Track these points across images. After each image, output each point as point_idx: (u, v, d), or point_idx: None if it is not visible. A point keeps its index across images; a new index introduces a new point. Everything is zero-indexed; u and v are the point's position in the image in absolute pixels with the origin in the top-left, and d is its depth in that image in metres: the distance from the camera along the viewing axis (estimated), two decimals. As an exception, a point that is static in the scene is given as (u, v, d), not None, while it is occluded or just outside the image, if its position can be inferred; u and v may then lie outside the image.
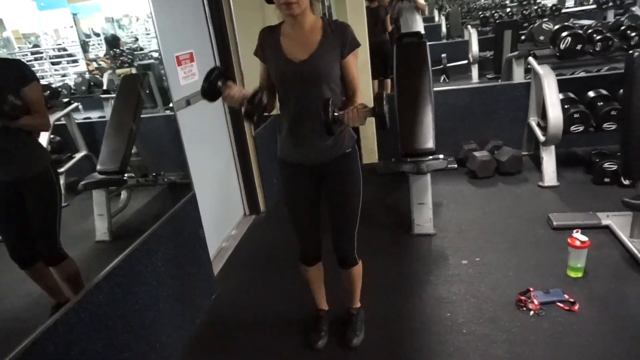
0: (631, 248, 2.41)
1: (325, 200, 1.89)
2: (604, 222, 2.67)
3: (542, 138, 3.30)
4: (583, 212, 2.80)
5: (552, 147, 3.30)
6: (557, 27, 3.41)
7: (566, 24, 3.51)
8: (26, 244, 1.98)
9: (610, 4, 6.68)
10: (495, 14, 6.28)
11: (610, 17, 6.99)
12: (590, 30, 3.32)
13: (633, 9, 6.30)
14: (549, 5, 6.85)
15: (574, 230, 2.32)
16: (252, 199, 3.49)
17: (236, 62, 3.16)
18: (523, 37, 5.28)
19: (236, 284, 2.69)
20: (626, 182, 3.06)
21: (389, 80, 5.46)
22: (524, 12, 6.51)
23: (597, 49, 3.24)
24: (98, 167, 2.67)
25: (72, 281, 2.07)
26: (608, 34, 3.22)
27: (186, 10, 2.80)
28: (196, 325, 2.32)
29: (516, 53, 3.92)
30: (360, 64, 3.63)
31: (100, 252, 2.56)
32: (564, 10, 6.83)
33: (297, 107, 1.69)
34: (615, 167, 3.12)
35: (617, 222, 2.66)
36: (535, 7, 6.57)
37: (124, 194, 3.56)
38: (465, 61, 6.29)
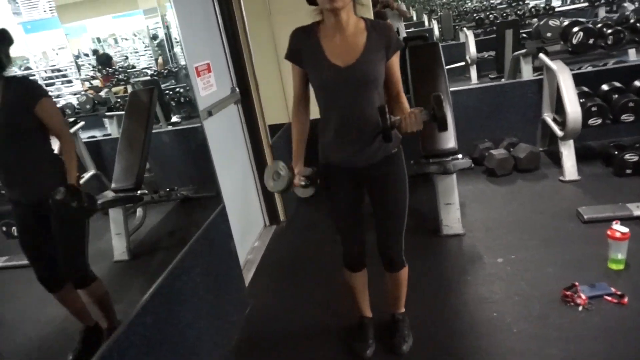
0: (668, 237, 2.40)
1: (371, 202, 1.84)
2: (636, 212, 2.66)
3: (560, 133, 3.30)
4: (612, 204, 2.79)
5: (571, 141, 3.30)
6: (566, 22, 3.43)
7: (575, 19, 3.53)
8: (54, 266, 1.91)
9: (602, 1, 6.80)
10: (490, 16, 6.34)
11: (602, 14, 7.10)
12: (599, 25, 3.34)
13: (625, 4, 6.42)
14: (542, 5, 6.95)
15: (613, 222, 2.30)
16: (272, 209, 3.43)
17: (250, 72, 3.12)
18: (524, 35, 5.35)
19: (267, 296, 2.62)
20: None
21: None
22: (518, 12, 6.59)
23: (609, 42, 3.26)
24: (113, 185, 2.61)
25: (102, 303, 2.00)
26: (619, 27, 3.25)
27: (199, 20, 2.75)
28: (233, 342, 2.24)
29: (524, 51, 3.94)
30: None
31: (120, 272, 2.49)
32: (556, 9, 6.93)
33: (343, 112, 1.64)
34: (636, 158, 3.12)
35: (649, 212, 2.65)
36: (529, 7, 6.66)
37: (139, 212, 3.49)
38: (462, 63, 6.33)
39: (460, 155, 2.91)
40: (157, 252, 2.94)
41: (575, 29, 3.27)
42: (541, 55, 3.48)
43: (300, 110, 1.76)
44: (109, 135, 3.00)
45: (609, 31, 3.26)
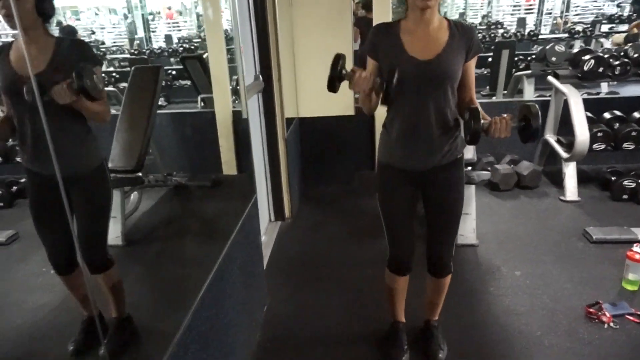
0: (674, 262, 2.53)
1: (427, 205, 1.81)
2: (640, 236, 2.80)
3: (565, 155, 3.43)
4: (618, 227, 2.92)
5: (574, 163, 3.43)
6: (577, 50, 3.57)
7: (586, 47, 3.68)
8: (70, 248, 1.74)
9: (581, 34, 7.22)
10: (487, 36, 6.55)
11: (577, 46, 7.53)
12: (607, 55, 3.51)
13: (602, 40, 6.84)
14: (522, 31, 7.29)
15: (635, 245, 2.40)
16: (279, 204, 3.32)
17: (275, 61, 3.01)
18: (519, 57, 5.55)
19: (283, 296, 2.52)
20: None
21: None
22: (505, 34, 6.86)
23: (616, 72, 3.43)
24: (110, 165, 2.43)
25: (117, 290, 1.86)
26: (626, 60, 3.43)
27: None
28: (256, 342, 2.13)
29: (529, 72, 4.08)
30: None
31: (115, 259, 2.33)
32: (540, 37, 7.29)
33: (415, 108, 1.61)
34: (634, 185, 3.29)
35: (651, 237, 2.79)
36: (515, 32, 6.97)
37: (134, 195, 3.29)
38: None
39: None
40: (153, 240, 2.77)
41: (587, 56, 3.41)
42: (551, 78, 3.61)
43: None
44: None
45: (616, 62, 3.43)
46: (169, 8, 10.28)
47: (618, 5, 10.23)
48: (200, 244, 2.51)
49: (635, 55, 3.56)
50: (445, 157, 1.68)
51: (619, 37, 7.87)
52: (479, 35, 7.18)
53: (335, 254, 2.93)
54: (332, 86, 1.54)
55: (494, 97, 5.29)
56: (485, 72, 5.46)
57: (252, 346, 2.07)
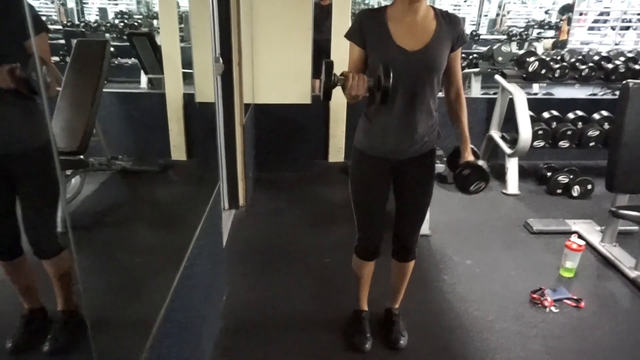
0: (604, 251, 2.79)
1: (398, 192, 1.85)
2: (573, 227, 3.05)
3: (508, 150, 3.64)
4: (554, 219, 3.16)
5: (516, 159, 3.66)
6: (523, 51, 3.79)
7: (530, 50, 3.92)
8: (14, 230, 1.61)
9: (518, 37, 7.66)
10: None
11: (514, 48, 7.99)
12: (548, 58, 3.76)
13: (535, 44, 7.32)
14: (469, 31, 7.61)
15: (572, 235, 2.60)
16: (233, 192, 3.24)
17: (236, 43, 2.91)
18: (463, 56, 5.77)
19: (242, 284, 2.47)
20: (575, 194, 3.55)
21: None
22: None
23: (556, 75, 3.68)
24: None
25: (65, 279, 1.74)
26: (565, 64, 3.69)
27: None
28: (217, 332, 2.08)
29: (477, 70, 4.27)
30: (301, 61, 3.52)
31: None
32: (482, 37, 7.65)
33: (401, 98, 1.61)
34: (567, 181, 3.57)
35: (582, 227, 3.05)
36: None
37: (76, 179, 3.10)
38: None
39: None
40: (102, 226, 2.61)
41: (532, 58, 3.63)
42: (498, 77, 3.80)
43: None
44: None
45: (557, 66, 3.68)
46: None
47: (546, 12, 10.97)
48: (157, 231, 2.39)
49: (572, 60, 3.84)
50: (424, 146, 1.71)
51: (548, 43, 8.47)
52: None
53: (293, 242, 2.91)
54: (328, 96, 1.46)
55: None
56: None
57: (214, 337, 2.02)
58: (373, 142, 1.72)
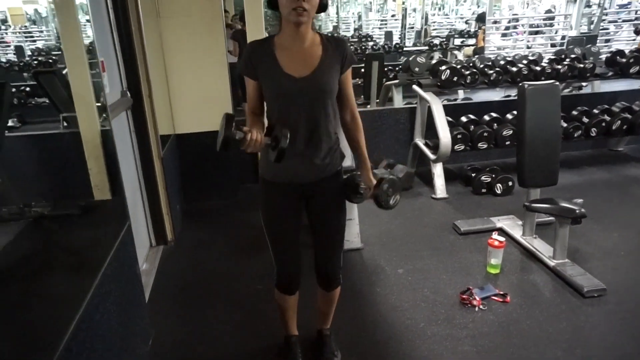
0: (525, 244, 2.91)
1: (312, 219, 1.82)
2: (498, 224, 3.17)
3: (432, 156, 3.75)
4: (480, 218, 3.27)
5: (441, 164, 3.77)
6: (435, 61, 3.95)
7: (443, 59, 4.09)
8: None
9: (439, 47, 8.04)
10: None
11: (436, 57, 8.36)
12: (459, 66, 3.94)
13: (455, 52, 7.70)
14: (394, 44, 7.91)
15: (493, 232, 2.70)
16: (159, 227, 3.11)
17: (144, 75, 2.82)
18: (389, 68, 5.96)
19: (170, 324, 2.36)
20: (498, 192, 3.70)
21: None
22: (374, 47, 7.36)
23: (468, 81, 3.86)
24: None
25: None
26: (475, 70, 3.88)
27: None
28: (142, 380, 1.95)
29: (397, 81, 4.40)
30: (218, 87, 3.49)
31: None
32: (405, 49, 7.96)
33: (296, 124, 1.60)
34: (489, 180, 3.73)
35: (506, 223, 3.18)
36: (383, 45, 7.51)
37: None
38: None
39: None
40: (2, 282, 2.42)
41: (443, 67, 3.79)
42: (415, 87, 3.94)
43: (255, 120, 1.67)
44: None
45: (467, 72, 3.87)
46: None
47: (466, 22, 11.64)
48: (65, 280, 2.23)
49: (482, 66, 4.05)
50: (327, 169, 1.71)
51: (469, 50, 8.95)
52: (352, 47, 7.61)
53: (223, 272, 2.82)
54: (226, 148, 1.44)
55: (368, 106, 5.61)
56: (360, 82, 5.78)
57: (136, 387, 1.89)
58: (277, 169, 1.70)
